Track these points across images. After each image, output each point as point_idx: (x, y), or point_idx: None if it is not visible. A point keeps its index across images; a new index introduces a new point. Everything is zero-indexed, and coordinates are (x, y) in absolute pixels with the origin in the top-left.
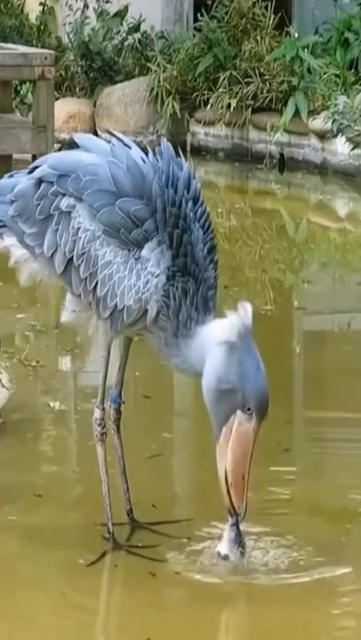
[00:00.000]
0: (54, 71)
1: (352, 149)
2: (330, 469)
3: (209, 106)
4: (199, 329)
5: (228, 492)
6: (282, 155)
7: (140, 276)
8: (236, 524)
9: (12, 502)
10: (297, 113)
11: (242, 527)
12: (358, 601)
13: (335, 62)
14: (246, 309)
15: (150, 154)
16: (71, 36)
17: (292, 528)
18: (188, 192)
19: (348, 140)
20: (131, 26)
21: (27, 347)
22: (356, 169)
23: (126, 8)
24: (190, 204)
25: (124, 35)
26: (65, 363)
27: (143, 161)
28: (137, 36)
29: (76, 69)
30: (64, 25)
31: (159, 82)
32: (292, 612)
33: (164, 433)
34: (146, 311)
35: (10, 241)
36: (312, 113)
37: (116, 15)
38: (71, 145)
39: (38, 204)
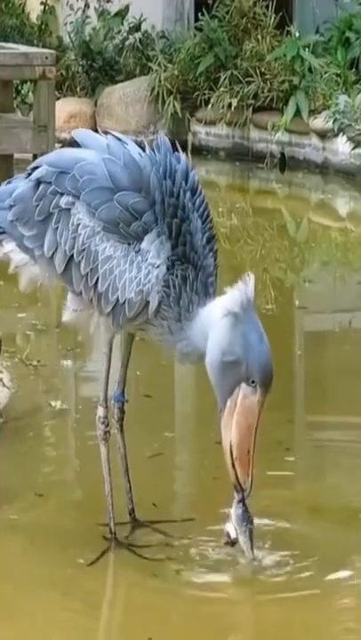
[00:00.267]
0: (55, 71)
1: (353, 149)
2: (331, 469)
3: (210, 105)
4: (200, 310)
5: (234, 466)
6: (283, 154)
7: (140, 268)
8: (243, 501)
9: (13, 502)
10: (298, 112)
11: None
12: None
13: (336, 61)
14: (248, 282)
15: (147, 148)
16: (72, 35)
17: (293, 528)
18: (186, 183)
19: (349, 139)
20: (132, 25)
21: (28, 346)
22: (357, 168)
23: (127, 7)
24: (188, 194)
25: (125, 34)
26: (66, 362)
27: (140, 155)
28: (138, 35)
29: (77, 69)
30: (65, 24)
31: (160, 81)
32: (293, 612)
33: (165, 432)
34: (147, 303)
35: (9, 247)
36: (313, 112)
37: (116, 15)
38: (72, 145)
39: (37, 205)
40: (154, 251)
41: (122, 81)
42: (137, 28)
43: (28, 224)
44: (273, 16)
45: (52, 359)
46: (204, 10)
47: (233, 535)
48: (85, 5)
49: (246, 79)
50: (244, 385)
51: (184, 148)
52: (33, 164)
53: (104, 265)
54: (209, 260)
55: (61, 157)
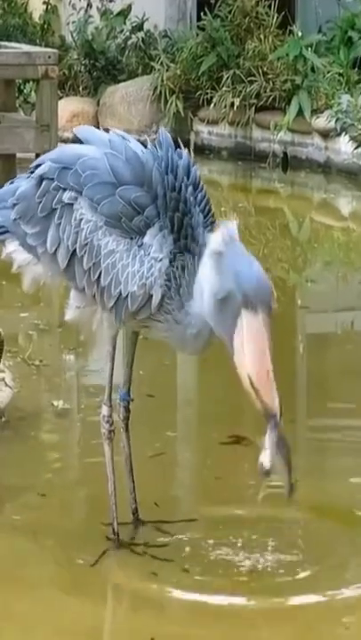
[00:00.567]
0: (58, 70)
1: (355, 148)
2: (333, 470)
3: (212, 105)
4: (195, 286)
5: (258, 395)
6: (285, 153)
7: (143, 262)
8: (276, 426)
9: (16, 501)
10: (300, 112)
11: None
12: None
13: (339, 61)
14: (229, 225)
15: (149, 144)
16: (75, 34)
17: (295, 528)
18: (187, 178)
19: (352, 138)
20: (134, 25)
21: (30, 346)
22: (360, 168)
23: (130, 7)
24: (190, 188)
25: (128, 34)
26: (68, 362)
27: (142, 150)
28: (140, 34)
29: (80, 68)
30: (67, 24)
31: (162, 81)
32: (295, 612)
33: (168, 432)
34: (150, 297)
35: (12, 247)
36: (315, 112)
37: (119, 14)
38: (75, 143)
39: (40, 202)
40: (156, 245)
41: (124, 80)
42: (139, 27)
43: (31, 221)
44: (275, 15)
45: (54, 359)
46: (206, 9)
47: (267, 465)
48: (88, 5)
49: (249, 79)
50: (244, 312)
51: (186, 148)
52: (35, 163)
53: (106, 259)
54: None
55: (64, 153)
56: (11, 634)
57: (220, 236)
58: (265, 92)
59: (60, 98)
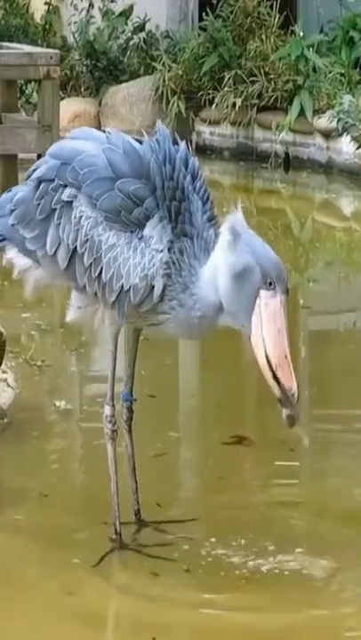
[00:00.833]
0: (59, 71)
1: (357, 148)
2: (336, 470)
3: (214, 105)
4: (203, 268)
5: (275, 377)
6: (287, 154)
7: (144, 254)
8: (292, 406)
9: (18, 502)
10: (302, 112)
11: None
12: None
13: (340, 61)
14: (235, 213)
15: (146, 137)
16: (76, 35)
17: (297, 528)
18: (185, 168)
19: (354, 138)
20: (136, 25)
21: (32, 346)
22: None
23: (131, 7)
24: (188, 177)
25: (130, 34)
26: (70, 362)
27: (140, 143)
28: (142, 35)
29: (82, 69)
30: (69, 24)
31: (164, 81)
32: (298, 612)
33: (170, 432)
34: (152, 288)
35: (11, 253)
36: (317, 112)
37: (121, 14)
38: None
39: (39, 204)
40: (157, 236)
41: (126, 81)
42: (141, 27)
43: (29, 225)
44: (277, 16)
45: (56, 359)
46: (208, 10)
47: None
48: (90, 5)
49: (250, 79)
50: (262, 292)
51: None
52: (31, 169)
53: (107, 254)
54: (209, 232)
55: (62, 150)
56: (11, 634)
57: (230, 226)
58: (267, 92)
59: (62, 98)
